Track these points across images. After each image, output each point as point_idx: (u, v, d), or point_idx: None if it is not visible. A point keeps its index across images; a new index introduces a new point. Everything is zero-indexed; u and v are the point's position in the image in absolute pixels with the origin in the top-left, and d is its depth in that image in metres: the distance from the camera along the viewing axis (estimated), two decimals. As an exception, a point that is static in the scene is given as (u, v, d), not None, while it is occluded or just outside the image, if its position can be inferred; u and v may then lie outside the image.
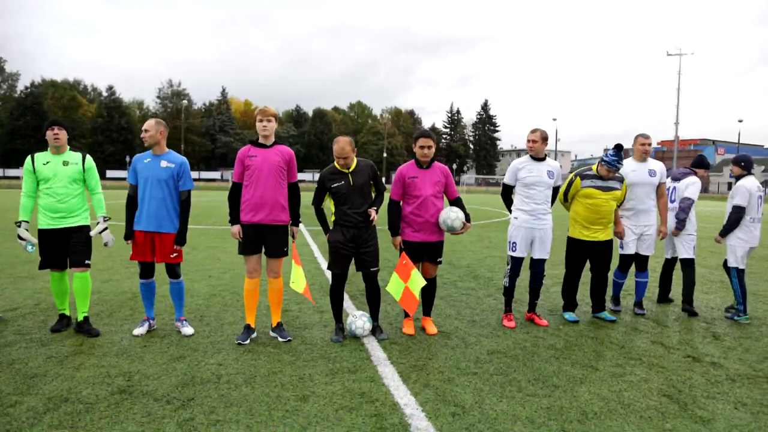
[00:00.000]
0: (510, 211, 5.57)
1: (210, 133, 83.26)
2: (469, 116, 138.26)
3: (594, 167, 5.60)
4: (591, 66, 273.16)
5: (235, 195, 4.66)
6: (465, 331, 5.12)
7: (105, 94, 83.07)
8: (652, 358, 4.47)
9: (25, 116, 76.40)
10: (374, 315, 4.94)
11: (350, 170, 4.74)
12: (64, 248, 4.78)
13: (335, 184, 4.71)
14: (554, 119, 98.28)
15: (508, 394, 3.63)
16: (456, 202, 5.08)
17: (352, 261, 4.88)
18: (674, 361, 4.41)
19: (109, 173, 69.27)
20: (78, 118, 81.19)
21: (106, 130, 79.14)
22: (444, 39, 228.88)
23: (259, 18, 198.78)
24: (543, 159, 5.45)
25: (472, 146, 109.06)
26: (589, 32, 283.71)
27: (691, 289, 5.99)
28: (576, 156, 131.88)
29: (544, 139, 5.39)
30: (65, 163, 4.76)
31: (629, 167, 5.72)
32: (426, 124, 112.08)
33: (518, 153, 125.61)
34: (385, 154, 76.21)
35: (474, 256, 10.01)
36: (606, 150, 6.10)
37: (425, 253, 5.01)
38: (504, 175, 5.62)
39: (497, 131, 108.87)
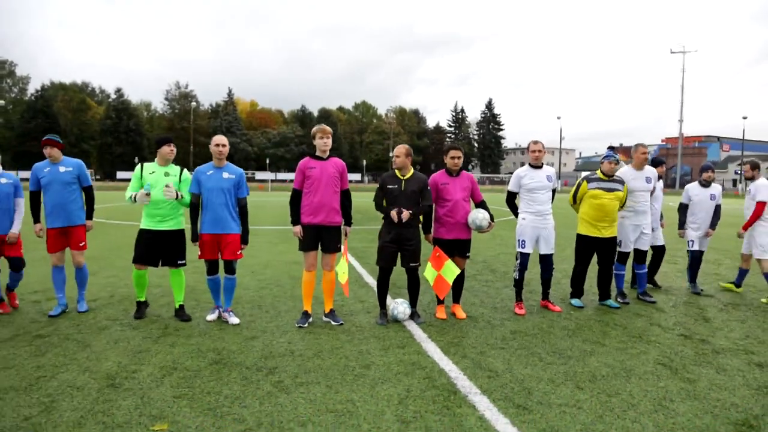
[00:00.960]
0: (516, 215, 6.38)
1: (217, 134, 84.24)
2: (473, 115, 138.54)
3: (598, 171, 6.42)
4: (594, 63, 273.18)
5: (296, 200, 5.48)
6: (489, 316, 5.94)
7: (113, 96, 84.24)
8: (651, 336, 5.28)
9: (36, 119, 77.60)
10: (413, 302, 5.76)
11: (405, 178, 5.55)
12: (159, 249, 5.57)
13: (390, 186, 5.52)
14: (558, 117, 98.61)
15: (531, 363, 4.45)
16: (481, 205, 5.89)
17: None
18: (669, 338, 5.22)
19: (120, 174, 70.33)
20: (87, 120, 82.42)
21: (114, 132, 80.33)
22: (443, 38, 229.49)
23: (260, 18, 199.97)
24: (541, 166, 6.26)
25: (476, 145, 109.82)
26: (591, 29, 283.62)
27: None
28: (580, 153, 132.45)
29: (543, 148, 6.25)
30: (166, 174, 5.57)
31: (629, 175, 6.52)
32: (428, 124, 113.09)
33: (522, 151, 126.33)
34: (391, 154, 76.73)
35: (488, 252, 10.82)
36: (608, 149, 7.11)
37: (456, 249, 5.83)
38: (510, 172, 6.46)
39: (502, 129, 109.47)
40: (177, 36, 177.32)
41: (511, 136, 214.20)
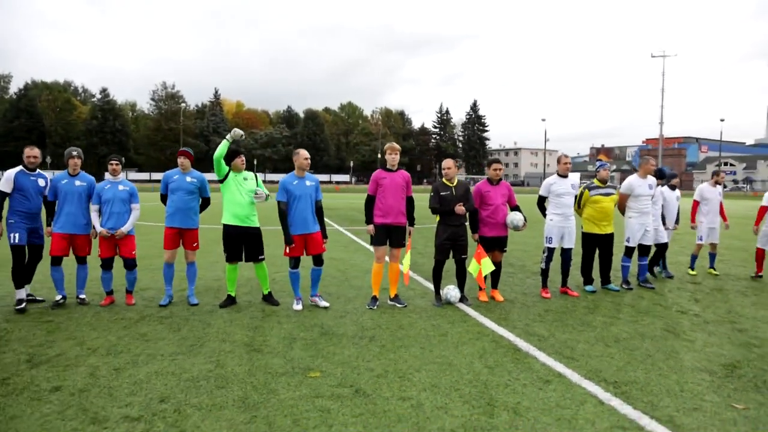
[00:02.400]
0: (544, 216, 7.70)
1: (204, 135, 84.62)
2: (457, 116, 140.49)
3: (595, 180, 7.78)
4: (577, 65, 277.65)
5: (369, 204, 6.70)
6: (522, 299, 7.25)
7: (98, 96, 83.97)
8: (655, 312, 6.64)
9: (19, 118, 77.06)
10: (461, 288, 7.03)
11: (453, 185, 6.81)
12: (243, 246, 6.66)
13: (443, 193, 6.77)
14: (543, 119, 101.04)
15: (567, 331, 5.76)
16: (516, 208, 7.20)
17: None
18: (669, 313, 6.59)
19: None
20: (72, 120, 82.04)
21: (100, 132, 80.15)
22: (427, 38, 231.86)
23: (245, 19, 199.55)
24: (567, 176, 7.59)
25: (461, 146, 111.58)
26: (575, 32, 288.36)
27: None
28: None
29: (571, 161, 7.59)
30: (245, 179, 6.71)
31: (636, 182, 7.88)
32: (413, 125, 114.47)
33: (506, 152, 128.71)
34: (379, 155, 77.92)
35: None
36: (597, 161, 8.77)
37: (496, 245, 7.13)
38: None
39: (486, 131, 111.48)
40: (160, 36, 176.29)
41: (496, 138, 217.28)
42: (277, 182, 6.92)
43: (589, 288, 7.81)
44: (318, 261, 6.77)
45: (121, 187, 6.69)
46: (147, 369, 4.51)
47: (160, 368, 4.53)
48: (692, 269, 9.41)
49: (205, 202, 7.03)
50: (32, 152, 6.63)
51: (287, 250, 6.59)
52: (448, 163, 6.88)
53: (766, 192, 9.15)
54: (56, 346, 5.06)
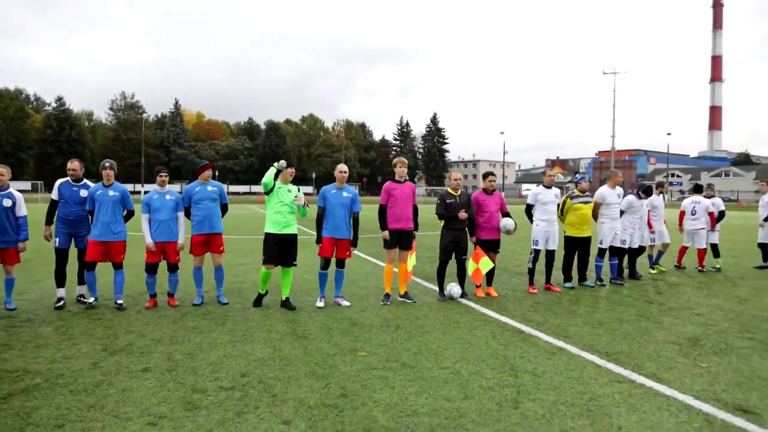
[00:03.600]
0: (531, 221, 8.76)
1: (164, 145, 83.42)
2: (417, 129, 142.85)
3: (575, 190, 8.91)
4: (533, 80, 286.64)
5: (383, 212, 7.56)
6: (513, 295, 8.26)
7: (53, 104, 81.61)
8: (628, 302, 7.76)
9: (-33, 127, 74.07)
10: (462, 284, 7.98)
11: (458, 194, 7.77)
12: (281, 250, 7.27)
13: (449, 201, 7.71)
14: (502, 132, 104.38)
15: (558, 317, 6.78)
16: (506, 215, 8.22)
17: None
18: (640, 303, 7.73)
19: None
20: (25, 128, 79.39)
21: (55, 141, 77.88)
22: (383, 50, 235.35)
23: (201, 29, 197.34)
24: (551, 187, 8.69)
25: (421, 157, 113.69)
26: (531, 48, 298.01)
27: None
28: (519, 166, 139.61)
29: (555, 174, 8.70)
30: (289, 191, 7.42)
31: (607, 192, 9.07)
32: (374, 137, 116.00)
33: (465, 164, 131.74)
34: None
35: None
36: (576, 173, 10.03)
37: (491, 247, 8.12)
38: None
39: (446, 143, 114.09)
40: (116, 45, 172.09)
41: (455, 150, 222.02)
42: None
43: (568, 285, 8.90)
44: (341, 264, 7.56)
45: (168, 197, 7.32)
46: (215, 353, 5.23)
47: (226, 353, 5.25)
48: (652, 268, 10.70)
49: (224, 209, 7.70)
50: (72, 165, 7.27)
51: (318, 250, 7.40)
52: (456, 175, 7.85)
53: (685, 200, 10.68)
54: (121, 339, 5.69)
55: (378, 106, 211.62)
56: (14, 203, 6.99)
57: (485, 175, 8.29)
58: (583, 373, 4.78)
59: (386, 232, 7.56)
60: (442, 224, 7.91)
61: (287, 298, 7.40)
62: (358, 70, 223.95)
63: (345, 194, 7.47)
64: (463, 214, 7.62)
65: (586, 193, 8.90)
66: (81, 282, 7.40)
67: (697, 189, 11.67)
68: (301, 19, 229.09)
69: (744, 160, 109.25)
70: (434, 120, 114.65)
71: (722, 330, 6.31)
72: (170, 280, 7.40)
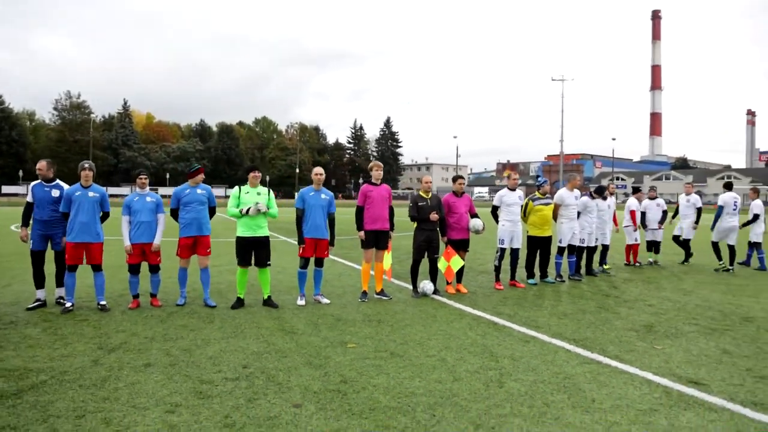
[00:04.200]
0: (497, 222, 9.32)
1: (112, 147, 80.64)
2: (371, 132, 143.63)
3: (537, 193, 9.54)
4: (484, 86, 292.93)
5: (360, 213, 7.91)
6: (481, 291, 8.79)
7: (-11, 104, 77.40)
8: (586, 296, 8.43)
9: None
10: (434, 281, 8.43)
11: (428, 197, 8.22)
12: (253, 252, 7.57)
13: (421, 203, 8.15)
14: (455, 137, 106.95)
15: (526, 310, 7.33)
16: (475, 216, 8.73)
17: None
18: (598, 296, 8.40)
19: (5, 189, 64.89)
20: (-42, 129, 75.01)
21: (-8, 142, 73.94)
22: (335, 53, 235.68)
23: (148, 27, 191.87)
24: (515, 189, 9.29)
25: (374, 160, 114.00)
26: (483, 54, 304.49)
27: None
28: (471, 169, 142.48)
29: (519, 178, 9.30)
30: (258, 194, 7.66)
31: (565, 194, 9.76)
32: (327, 140, 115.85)
33: (419, 168, 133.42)
34: (297, 170, 78.34)
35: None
36: (537, 177, 10.78)
37: (461, 246, 8.62)
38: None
39: (400, 146, 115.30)
40: (59, 42, 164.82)
41: (408, 153, 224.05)
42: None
43: (531, 281, 9.51)
44: (320, 263, 7.87)
45: (149, 199, 7.42)
46: (212, 348, 5.45)
47: (222, 347, 5.49)
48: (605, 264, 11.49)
49: (212, 211, 7.86)
50: (39, 165, 7.40)
51: (300, 251, 7.66)
52: (428, 178, 8.31)
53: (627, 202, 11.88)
54: (114, 338, 5.82)
55: (330, 109, 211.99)
56: None
57: (455, 179, 8.80)
58: (556, 357, 5.29)
59: (362, 233, 7.91)
60: (415, 225, 8.34)
61: (269, 297, 7.65)
62: (311, 73, 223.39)
63: (323, 196, 7.77)
64: (434, 216, 8.09)
65: (547, 196, 9.55)
66: (59, 284, 7.40)
67: (635, 191, 12.65)
68: (251, 21, 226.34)
69: (682, 164, 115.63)
70: (388, 123, 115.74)
71: (671, 318, 7.01)
72: (152, 281, 7.50)
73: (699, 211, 12.47)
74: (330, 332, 6.14)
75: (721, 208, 11.77)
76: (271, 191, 7.82)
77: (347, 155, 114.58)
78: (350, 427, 3.64)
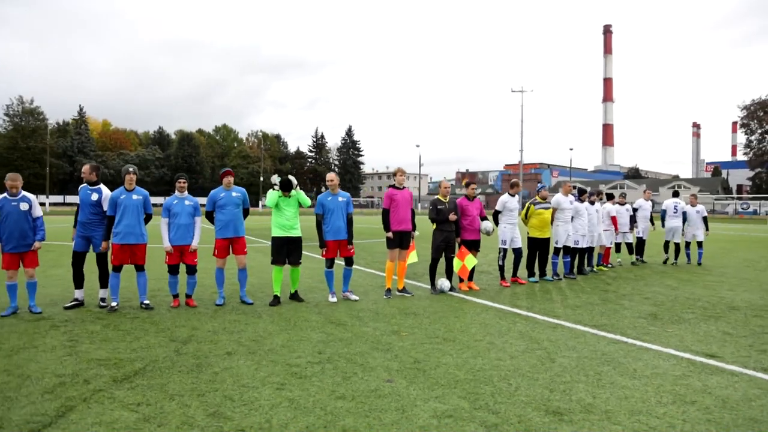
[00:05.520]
0: (497, 224, 10.09)
1: (68, 155, 77.97)
2: (332, 141, 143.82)
3: (537, 197, 10.39)
4: (443, 97, 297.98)
5: (386, 216, 8.51)
6: (491, 288, 9.52)
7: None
8: (586, 291, 9.28)
9: None
10: (450, 279, 9.10)
11: (447, 201, 8.90)
12: (287, 251, 8.06)
13: (440, 207, 8.82)
14: (417, 146, 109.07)
15: (540, 303, 8.09)
16: (485, 218, 9.48)
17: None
18: (597, 292, 9.27)
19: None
20: None
21: (-64, 148, 70.27)
22: (292, 62, 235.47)
23: (95, 31, 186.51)
24: (515, 195, 10.11)
25: (336, 169, 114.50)
26: (442, 65, 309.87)
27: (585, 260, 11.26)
28: (431, 178, 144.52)
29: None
30: (290, 197, 8.13)
31: (561, 199, 10.64)
32: (288, 148, 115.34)
33: (379, 176, 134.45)
34: (261, 178, 77.80)
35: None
36: (538, 183, 11.73)
37: (473, 246, 9.33)
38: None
39: (361, 155, 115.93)
40: (7, 47, 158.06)
41: (369, 162, 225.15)
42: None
43: (532, 279, 10.32)
44: (349, 262, 8.40)
45: (187, 202, 7.78)
46: (278, 339, 5.92)
47: (287, 338, 5.96)
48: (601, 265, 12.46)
49: (246, 213, 8.27)
50: (83, 168, 7.83)
51: (323, 253, 8.17)
52: (446, 184, 9.00)
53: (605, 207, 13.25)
54: (178, 332, 6.19)
55: (287, 118, 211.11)
56: (30, 206, 7.22)
57: (467, 184, 9.53)
58: (586, 339, 6.04)
59: (390, 234, 8.51)
60: (434, 227, 9.01)
61: (296, 291, 8.20)
62: (267, 81, 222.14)
63: (340, 198, 8.29)
64: (453, 216, 8.79)
65: (546, 200, 10.40)
66: (103, 286, 7.62)
67: (609, 197, 13.82)
68: (205, 26, 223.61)
69: (635, 174, 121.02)
70: (349, 132, 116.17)
71: (670, 308, 7.91)
72: (189, 282, 7.84)
73: (705, 220, 14.00)
74: (376, 323, 6.70)
75: (664, 212, 13.96)
76: (300, 190, 8.25)
77: (308, 163, 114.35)
78: (447, 395, 4.24)
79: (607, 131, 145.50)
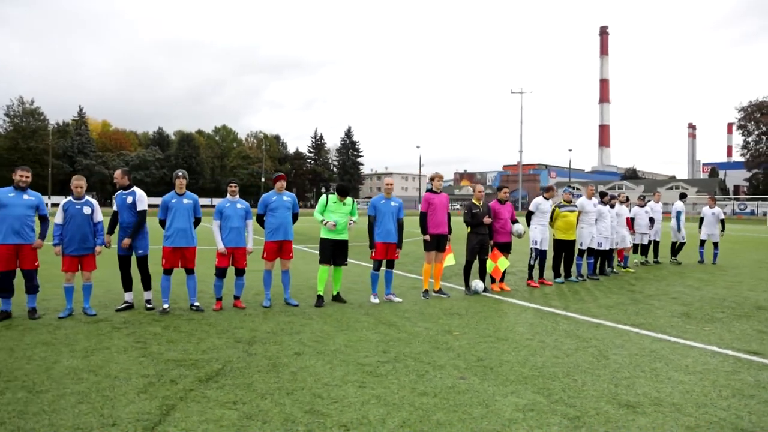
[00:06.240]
0: (529, 225, 10.40)
1: (68, 155, 77.96)
2: (331, 141, 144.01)
3: (562, 200, 10.71)
4: (440, 96, 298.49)
5: (424, 219, 8.79)
6: (521, 288, 9.82)
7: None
8: (613, 291, 9.59)
9: None
10: (483, 280, 9.40)
11: (481, 204, 9.20)
12: (334, 253, 8.31)
13: (475, 210, 9.12)
14: (418, 146, 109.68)
15: (573, 303, 8.39)
16: (516, 221, 9.78)
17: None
18: (624, 292, 9.59)
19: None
20: None
21: (-64, 150, 70.15)
22: (290, 62, 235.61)
23: (93, 30, 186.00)
24: (548, 199, 10.42)
25: (335, 170, 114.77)
26: (439, 65, 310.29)
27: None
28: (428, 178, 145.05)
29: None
30: (344, 204, 8.41)
31: (585, 202, 10.97)
32: (288, 149, 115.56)
33: (378, 176, 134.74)
34: (263, 179, 77.93)
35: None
36: (567, 186, 12.09)
37: (505, 249, 9.64)
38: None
39: (360, 156, 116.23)
40: (6, 48, 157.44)
41: (368, 162, 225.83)
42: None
43: (558, 280, 10.63)
44: (391, 265, 8.68)
45: (239, 206, 8.03)
46: (338, 339, 6.18)
47: (347, 338, 6.23)
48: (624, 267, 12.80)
49: (295, 217, 8.50)
50: (116, 174, 7.96)
51: (372, 254, 8.44)
52: (480, 188, 9.31)
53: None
54: (239, 333, 6.43)
55: (285, 118, 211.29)
56: (93, 210, 7.46)
57: (499, 188, 9.84)
58: (630, 337, 6.35)
59: (427, 236, 8.80)
60: (468, 230, 9.31)
61: (338, 293, 8.48)
62: (265, 81, 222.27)
63: (393, 203, 8.61)
64: (487, 220, 9.10)
65: (571, 203, 10.72)
66: (147, 288, 7.87)
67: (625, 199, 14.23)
68: (202, 27, 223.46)
69: (632, 175, 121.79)
70: (349, 133, 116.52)
71: (699, 308, 8.23)
72: (237, 284, 8.08)
73: (722, 222, 14.67)
74: (425, 324, 6.98)
75: (679, 213, 14.65)
76: (354, 201, 8.56)
77: (308, 164, 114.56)
78: (521, 390, 4.53)
79: (604, 132, 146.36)
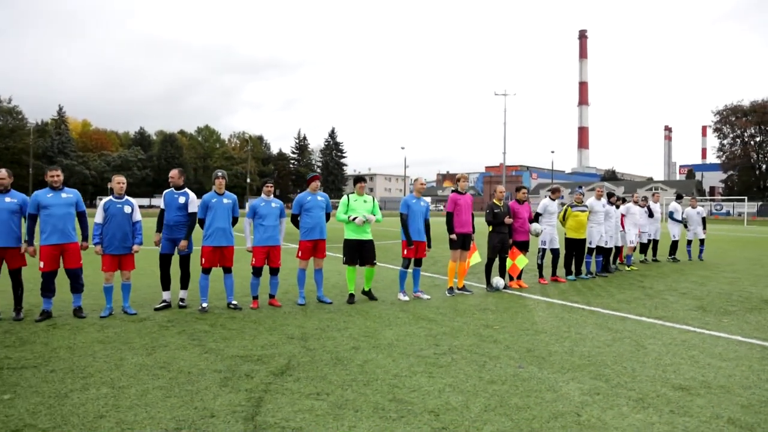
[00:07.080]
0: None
1: (48, 155, 76.49)
2: (315, 142, 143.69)
3: (574, 200, 11.18)
4: (423, 97, 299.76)
5: (450, 219, 9.13)
6: (535, 285, 10.23)
7: None
8: (624, 288, 10.07)
9: None
10: (503, 278, 9.78)
11: (502, 204, 9.59)
12: (360, 253, 8.61)
13: (496, 210, 9.50)
14: (402, 148, 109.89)
15: (593, 298, 8.82)
16: (532, 221, 10.19)
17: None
18: (635, 287, 10.07)
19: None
20: None
21: None
22: (268, 62, 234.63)
23: (71, 30, 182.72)
24: (555, 200, 10.87)
25: (319, 170, 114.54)
26: (422, 66, 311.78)
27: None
28: (412, 180, 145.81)
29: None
30: (365, 201, 8.70)
31: (594, 203, 11.45)
32: (271, 149, 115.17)
33: (363, 178, 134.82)
34: (249, 180, 77.54)
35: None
36: (578, 187, 12.54)
37: (524, 247, 10.04)
38: None
39: (344, 157, 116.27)
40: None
41: (351, 163, 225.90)
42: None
43: (570, 278, 11.08)
44: (419, 263, 9.00)
45: (273, 205, 8.26)
46: (387, 335, 6.46)
47: (394, 333, 6.52)
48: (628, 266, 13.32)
49: (327, 217, 8.79)
50: (171, 173, 8.16)
51: (405, 252, 8.74)
52: (501, 188, 9.70)
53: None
54: (288, 330, 6.67)
55: (264, 118, 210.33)
56: (132, 209, 7.65)
57: (518, 188, 10.26)
58: (658, 329, 6.78)
59: (454, 235, 9.14)
60: (490, 229, 9.69)
61: (369, 290, 8.76)
62: (242, 82, 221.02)
63: (422, 203, 8.94)
64: (509, 220, 9.49)
65: (582, 203, 11.18)
66: (184, 287, 8.06)
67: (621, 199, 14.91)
68: (178, 25, 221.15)
69: (611, 176, 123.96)
70: (332, 134, 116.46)
71: (711, 302, 8.73)
72: (272, 283, 8.30)
73: (704, 220, 15.61)
74: (462, 318, 7.33)
75: (672, 213, 15.71)
76: (375, 199, 8.88)
77: (291, 165, 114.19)
78: (580, 377, 4.90)
79: (583, 134, 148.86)
